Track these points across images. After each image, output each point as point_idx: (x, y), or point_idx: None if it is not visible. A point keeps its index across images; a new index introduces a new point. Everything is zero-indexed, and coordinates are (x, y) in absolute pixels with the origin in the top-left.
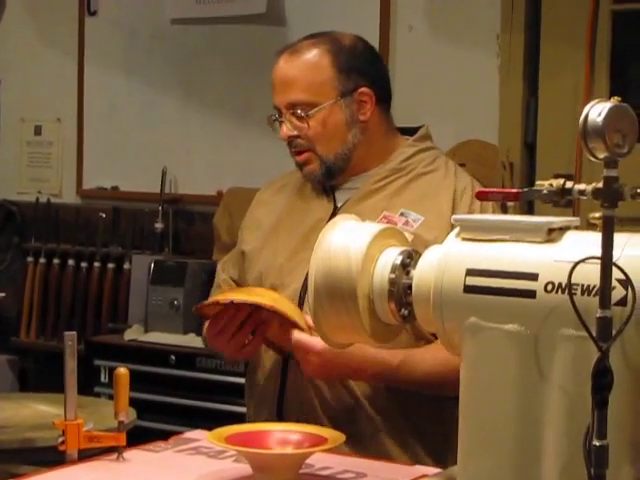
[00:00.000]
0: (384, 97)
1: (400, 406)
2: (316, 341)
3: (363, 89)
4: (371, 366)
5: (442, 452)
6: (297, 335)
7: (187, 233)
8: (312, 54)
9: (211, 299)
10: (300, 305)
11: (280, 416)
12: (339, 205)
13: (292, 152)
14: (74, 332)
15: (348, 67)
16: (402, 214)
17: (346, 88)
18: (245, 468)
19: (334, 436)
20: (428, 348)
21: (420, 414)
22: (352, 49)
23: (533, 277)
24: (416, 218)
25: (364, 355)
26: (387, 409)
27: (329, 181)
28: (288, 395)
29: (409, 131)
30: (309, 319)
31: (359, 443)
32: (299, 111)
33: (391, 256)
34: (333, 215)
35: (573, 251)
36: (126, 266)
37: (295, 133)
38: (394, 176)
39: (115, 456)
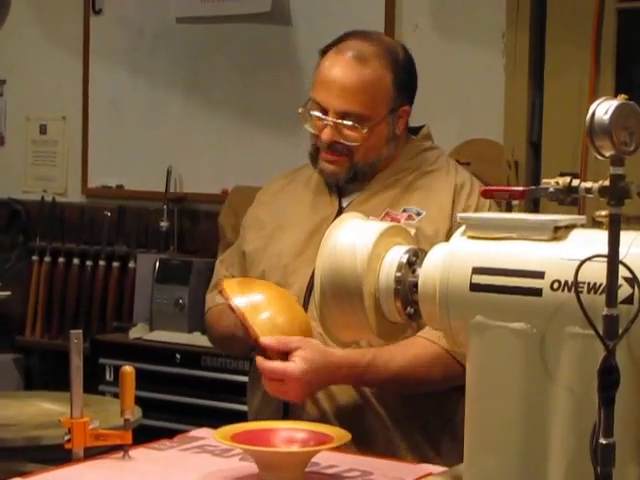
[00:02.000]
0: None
1: (407, 402)
2: (291, 367)
3: (405, 107)
4: (341, 368)
5: (449, 449)
6: (265, 364)
7: (192, 232)
8: (377, 67)
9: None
10: (305, 304)
11: (286, 415)
12: (344, 205)
13: (323, 150)
14: (80, 330)
15: (403, 87)
16: (404, 210)
17: (395, 106)
18: (251, 466)
19: (340, 434)
20: (398, 345)
21: (427, 410)
22: (407, 67)
23: (539, 275)
24: (418, 212)
25: (334, 362)
26: (394, 406)
27: (347, 183)
28: None
29: (411, 130)
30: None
31: (366, 441)
32: (352, 123)
33: (397, 254)
34: (338, 214)
35: (579, 249)
36: (131, 265)
37: (338, 138)
38: (399, 175)
39: (121, 454)
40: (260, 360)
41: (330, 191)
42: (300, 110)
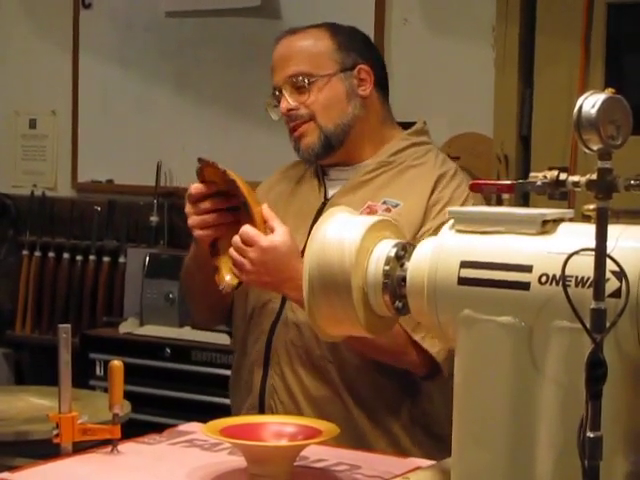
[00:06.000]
0: (382, 82)
1: (380, 394)
2: (264, 238)
3: (362, 66)
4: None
5: (423, 441)
6: (246, 227)
7: (182, 226)
8: (312, 31)
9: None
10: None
11: (262, 404)
12: (329, 196)
13: (291, 128)
14: (68, 325)
15: (347, 45)
16: (384, 202)
17: (345, 63)
18: (240, 460)
19: (329, 428)
20: None
21: (400, 401)
22: (350, 32)
23: (527, 269)
24: (395, 203)
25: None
26: (368, 397)
27: (326, 154)
28: (270, 384)
29: (408, 127)
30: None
31: (343, 434)
32: (300, 78)
33: (385, 248)
34: (323, 205)
35: (567, 243)
36: (121, 259)
37: (295, 105)
38: (382, 169)
39: (109, 449)
40: (247, 225)
41: (318, 182)
42: (265, 106)
